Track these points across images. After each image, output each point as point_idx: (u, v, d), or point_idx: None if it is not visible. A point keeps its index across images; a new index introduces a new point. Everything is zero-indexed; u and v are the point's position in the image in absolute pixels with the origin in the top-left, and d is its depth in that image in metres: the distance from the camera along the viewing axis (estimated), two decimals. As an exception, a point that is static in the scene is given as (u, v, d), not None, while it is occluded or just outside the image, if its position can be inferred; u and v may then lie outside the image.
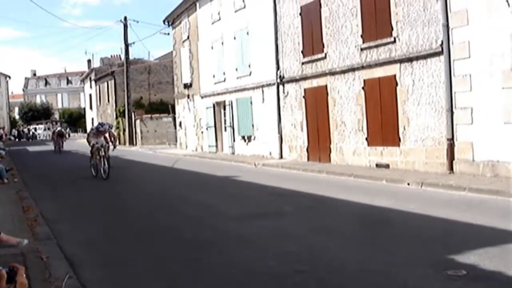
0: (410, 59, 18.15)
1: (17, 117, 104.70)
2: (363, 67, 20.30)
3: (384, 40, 19.12)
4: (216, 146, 33.43)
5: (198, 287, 7.13)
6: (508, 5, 14.60)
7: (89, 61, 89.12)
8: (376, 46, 19.56)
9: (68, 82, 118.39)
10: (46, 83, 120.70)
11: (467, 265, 7.32)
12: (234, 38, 30.27)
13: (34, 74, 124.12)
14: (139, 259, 8.60)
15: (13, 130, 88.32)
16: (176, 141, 42.59)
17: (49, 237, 10.21)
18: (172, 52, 43.70)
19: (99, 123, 23.68)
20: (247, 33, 28.81)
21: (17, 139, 80.00)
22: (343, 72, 21.35)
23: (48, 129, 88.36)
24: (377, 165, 19.82)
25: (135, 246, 9.60)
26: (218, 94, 32.76)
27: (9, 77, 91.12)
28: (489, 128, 15.63)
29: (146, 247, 9.44)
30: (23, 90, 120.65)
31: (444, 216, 11.13)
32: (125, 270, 8.04)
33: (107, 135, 22.32)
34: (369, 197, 13.92)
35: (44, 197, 16.53)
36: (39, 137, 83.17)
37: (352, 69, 20.84)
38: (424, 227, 10.21)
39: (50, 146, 48.68)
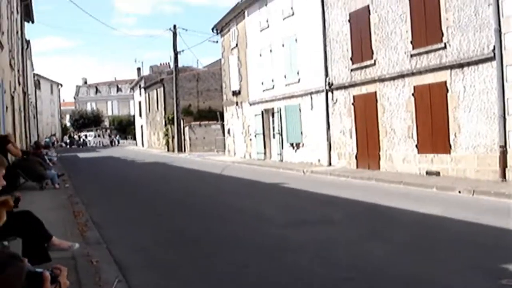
0: (461, 65, 17.91)
1: (68, 124, 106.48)
2: (413, 74, 20.10)
3: (435, 46, 18.90)
4: (265, 153, 33.44)
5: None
6: None
7: (138, 69, 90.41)
8: (426, 52, 19.34)
9: (118, 89, 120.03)
10: (97, 91, 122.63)
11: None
12: (283, 45, 30.29)
13: (85, 82, 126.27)
14: (187, 265, 8.62)
15: (65, 137, 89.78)
16: (225, 148, 42.76)
17: (99, 242, 10.33)
18: (220, 59, 43.95)
19: None
20: (296, 40, 28.80)
21: (68, 146, 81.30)
22: (393, 78, 21.18)
23: (99, 136, 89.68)
24: (427, 173, 19.58)
25: (184, 252, 9.62)
26: (267, 101, 32.79)
27: (61, 85, 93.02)
28: (543, 135, 15.33)
29: (195, 253, 9.45)
30: (74, 98, 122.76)
31: (497, 225, 10.93)
32: (174, 274, 8.06)
33: None
34: (419, 205, 13.77)
35: (94, 203, 16.71)
36: (89, 143, 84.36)
37: (402, 76, 20.65)
38: (476, 235, 10.04)
39: (101, 153, 49.67)
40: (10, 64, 23.49)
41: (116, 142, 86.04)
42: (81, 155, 52.33)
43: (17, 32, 30.67)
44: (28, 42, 45.28)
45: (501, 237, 9.83)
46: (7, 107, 19.51)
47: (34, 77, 63.59)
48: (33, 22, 39.87)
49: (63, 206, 15.22)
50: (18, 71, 28.56)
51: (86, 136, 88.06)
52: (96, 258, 8.65)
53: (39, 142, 34.21)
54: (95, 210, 14.99)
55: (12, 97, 22.58)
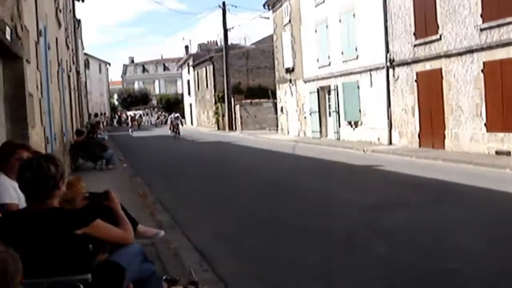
0: (537, 40, 17.05)
1: (116, 103, 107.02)
2: (482, 49, 19.23)
3: (507, 19, 17.96)
4: (320, 131, 32.83)
5: (348, 283, 6.69)
6: None
7: (186, 47, 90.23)
8: (498, 26, 18.43)
9: (165, 68, 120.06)
10: (144, 69, 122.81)
11: None
12: (340, 20, 29.52)
13: (132, 61, 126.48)
14: (271, 252, 8.17)
15: (116, 116, 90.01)
16: (277, 126, 42.26)
17: (172, 226, 9.99)
18: (272, 36, 43.34)
19: None
20: (354, 15, 28.02)
21: (117, 125, 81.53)
22: (460, 54, 20.33)
23: (147, 114, 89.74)
24: (496, 152, 18.77)
25: (264, 238, 9.17)
26: (323, 78, 32.14)
27: (109, 64, 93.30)
28: None
29: (277, 240, 8.99)
30: (122, 77, 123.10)
31: None
32: (262, 265, 7.58)
33: None
34: (498, 187, 13.09)
35: (156, 184, 16.39)
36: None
37: (470, 51, 19.79)
38: None
39: (154, 131, 49.92)
40: (66, 43, 23.25)
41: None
42: (134, 134, 52.30)
43: (70, 11, 30.49)
44: (79, 21, 45.23)
45: None
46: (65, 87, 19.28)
47: (84, 56, 63.81)
48: (83, 1, 39.66)
49: (127, 187, 14.93)
50: (72, 50, 28.36)
51: (140, 115, 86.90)
52: (174, 245, 8.30)
53: (93, 121, 34.33)
54: (159, 191, 14.67)
55: (69, 77, 22.35)
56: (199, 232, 9.72)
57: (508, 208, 10.91)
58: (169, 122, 47.39)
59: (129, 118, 55.62)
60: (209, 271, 7.07)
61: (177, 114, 46.89)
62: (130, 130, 54.77)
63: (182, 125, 49.26)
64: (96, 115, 50.75)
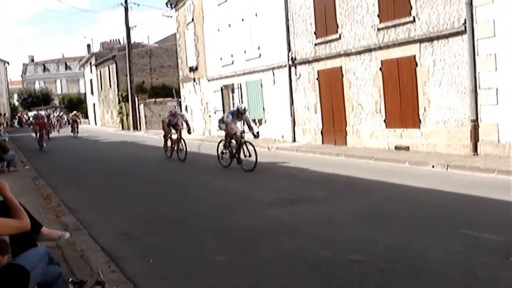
0: (430, 39, 17.79)
1: (16, 103, 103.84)
2: (380, 48, 19.93)
3: (403, 20, 18.72)
4: (225, 130, 32.95)
5: (253, 280, 6.82)
6: (537, -19, 14.24)
7: (88, 45, 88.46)
8: (394, 26, 19.17)
9: (67, 67, 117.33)
10: (45, 69, 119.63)
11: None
12: (242, 20, 29.81)
13: (32, 60, 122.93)
14: (181, 251, 8.26)
15: (16, 117, 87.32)
16: (182, 125, 42.13)
17: (78, 228, 9.92)
18: (175, 35, 43.21)
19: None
20: (256, 15, 28.35)
21: (18, 126, 79.14)
22: (359, 53, 20.99)
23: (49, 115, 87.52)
24: (396, 148, 19.53)
25: (174, 237, 9.25)
26: (226, 77, 32.37)
27: (8, 63, 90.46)
28: (516, 109, 15.33)
29: (186, 238, 9.09)
30: (22, 76, 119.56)
31: (486, 199, 10.90)
32: (171, 264, 7.68)
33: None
34: (398, 180, 13.68)
35: (61, 186, 16.17)
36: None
37: (369, 50, 20.47)
38: (469, 211, 9.91)
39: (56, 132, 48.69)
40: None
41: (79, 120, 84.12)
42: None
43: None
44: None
45: (499, 213, 9.70)
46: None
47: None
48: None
49: (30, 189, 14.71)
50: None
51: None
52: (81, 246, 8.28)
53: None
54: (64, 193, 14.48)
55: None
56: (106, 233, 9.70)
57: (408, 200, 11.40)
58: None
59: (34, 120, 35.75)
60: (117, 272, 7.06)
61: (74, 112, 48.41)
62: (42, 143, 32.06)
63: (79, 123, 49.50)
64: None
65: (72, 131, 45.21)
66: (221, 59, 32.93)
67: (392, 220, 9.51)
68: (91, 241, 8.92)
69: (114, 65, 56.71)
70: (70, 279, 6.10)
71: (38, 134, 31.91)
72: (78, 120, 48.02)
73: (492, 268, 6.61)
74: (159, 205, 12.61)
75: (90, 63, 70.74)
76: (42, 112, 45.10)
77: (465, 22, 16.44)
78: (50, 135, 39.64)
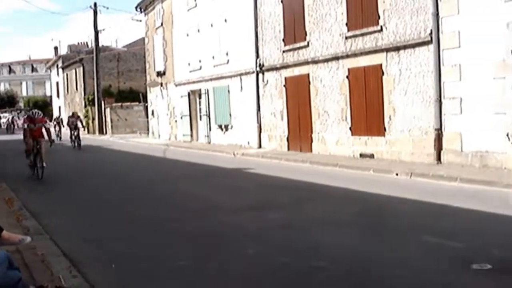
0: (397, 48, 17.97)
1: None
2: (347, 56, 20.07)
3: (370, 29, 18.89)
4: (191, 135, 32.99)
5: (216, 286, 6.80)
6: (502, -6, 14.47)
7: (55, 48, 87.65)
8: (362, 35, 19.33)
9: (33, 69, 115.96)
10: (10, 70, 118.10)
11: (489, 258, 7.13)
12: (211, 25, 29.80)
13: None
14: (144, 256, 8.18)
15: None
16: (148, 130, 42.04)
17: (40, 232, 9.74)
18: (143, 39, 43.08)
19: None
20: (225, 20, 28.38)
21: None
22: (326, 60, 21.10)
23: (13, 117, 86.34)
24: (361, 155, 19.64)
25: (137, 242, 9.17)
26: (194, 82, 32.29)
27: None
28: (479, 119, 15.53)
29: (149, 243, 9.02)
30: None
31: (448, 207, 11.02)
32: (134, 268, 7.60)
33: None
34: (362, 187, 13.77)
35: (24, 189, 15.92)
36: (3, 126, 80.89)
37: (336, 58, 20.60)
38: (432, 218, 10.04)
39: (19, 135, 47.87)
40: None
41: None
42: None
43: None
44: None
45: (457, 220, 9.85)
46: None
47: None
48: None
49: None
50: None
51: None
52: (42, 251, 8.14)
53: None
54: (26, 197, 14.24)
55: None
56: (68, 237, 9.51)
57: (371, 207, 11.49)
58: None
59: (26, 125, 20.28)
60: (79, 277, 6.92)
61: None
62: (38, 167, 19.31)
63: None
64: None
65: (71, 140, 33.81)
66: (189, 64, 32.85)
67: (355, 227, 9.56)
68: (52, 245, 8.73)
69: (81, 68, 56.27)
70: (31, 286, 5.98)
71: (31, 149, 18.28)
72: (80, 125, 34.78)
73: (452, 274, 6.68)
74: (123, 209, 12.51)
75: (57, 66, 70.09)
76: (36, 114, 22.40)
77: (431, 33, 16.64)
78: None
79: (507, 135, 14.66)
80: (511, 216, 9.84)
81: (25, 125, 18.33)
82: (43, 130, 18.77)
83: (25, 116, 19.95)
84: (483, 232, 8.76)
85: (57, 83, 71.83)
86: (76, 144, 32.43)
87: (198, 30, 31.44)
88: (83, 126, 35.29)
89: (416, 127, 17.55)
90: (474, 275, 6.60)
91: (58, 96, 71.92)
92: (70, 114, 38.77)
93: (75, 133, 32.79)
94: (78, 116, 35.77)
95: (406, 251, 7.74)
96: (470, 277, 6.54)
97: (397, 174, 15.78)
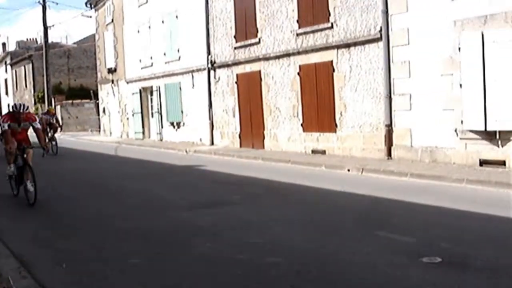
0: (347, 45, 18.13)
1: None
2: (298, 53, 20.17)
3: (321, 26, 19.01)
4: (143, 132, 32.79)
5: (169, 284, 6.74)
6: (449, -8, 14.73)
7: (3, 44, 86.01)
8: (313, 32, 19.44)
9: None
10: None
11: (439, 251, 7.27)
12: (163, 22, 29.64)
13: None
14: (95, 255, 8.09)
15: None
16: (100, 127, 41.63)
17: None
18: (94, 35, 42.64)
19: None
20: (176, 17, 28.26)
21: None
22: (278, 57, 21.18)
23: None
24: (313, 151, 19.77)
25: (88, 240, 9.06)
26: (145, 79, 32.11)
27: None
28: (428, 115, 15.77)
29: (101, 241, 8.93)
30: None
31: (398, 201, 11.21)
32: (85, 268, 7.50)
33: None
34: (314, 183, 13.89)
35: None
36: None
37: (287, 55, 20.69)
38: (383, 213, 10.19)
39: None
40: None
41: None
42: None
43: None
44: None
45: (408, 214, 10.00)
46: None
47: None
48: None
49: None
50: None
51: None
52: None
53: None
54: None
55: None
56: (17, 238, 9.34)
57: (323, 203, 11.57)
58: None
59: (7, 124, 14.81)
60: (28, 278, 6.79)
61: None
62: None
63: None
64: None
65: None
66: (140, 61, 32.63)
67: (308, 223, 9.62)
68: (1, 246, 8.58)
69: (31, 65, 55.45)
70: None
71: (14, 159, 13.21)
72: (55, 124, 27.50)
73: (403, 268, 6.77)
74: (72, 207, 12.37)
75: (5, 62, 68.82)
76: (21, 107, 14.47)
77: (381, 30, 16.83)
78: None
79: (455, 130, 14.92)
80: (459, 210, 10.03)
81: (5, 125, 12.79)
82: (38, 130, 13.18)
83: (6, 113, 14.12)
84: (433, 226, 8.89)
85: (6, 80, 70.59)
86: (51, 148, 23.66)
87: (149, 27, 31.24)
88: (59, 126, 28.03)
89: (367, 123, 17.74)
90: (425, 268, 6.70)
91: (6, 93, 70.67)
92: (45, 110, 32.24)
93: (50, 134, 26.10)
94: (54, 113, 29.61)
95: (358, 246, 7.80)
96: (421, 270, 6.62)
97: (348, 170, 15.94)
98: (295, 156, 19.17)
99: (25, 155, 12.66)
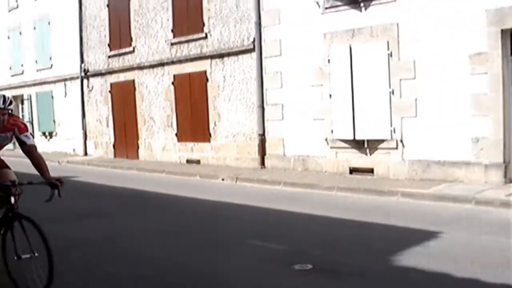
0: (221, 55, 18.31)
1: None
2: (173, 62, 20.17)
3: (196, 36, 19.11)
4: (14, 142, 31.57)
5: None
6: (319, 6, 15.16)
7: None
8: (187, 42, 19.50)
9: None
10: None
11: (310, 258, 7.43)
12: (34, 28, 28.71)
13: None
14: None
15: None
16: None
17: None
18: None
19: None
20: (49, 23, 27.46)
21: None
22: (152, 66, 21.09)
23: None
24: (187, 161, 19.80)
25: None
26: (15, 87, 30.89)
27: None
28: (300, 124, 16.15)
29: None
30: None
31: (272, 210, 11.39)
32: None
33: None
34: (189, 193, 13.89)
35: None
36: None
37: (162, 64, 20.64)
38: (256, 222, 10.33)
39: None
40: None
41: None
42: None
43: None
44: None
45: (281, 222, 10.22)
46: None
47: None
48: None
49: None
50: None
51: None
52: None
53: None
54: None
55: None
56: None
57: (198, 212, 11.58)
58: None
59: None
60: None
61: None
62: None
63: None
64: None
65: None
66: (10, 68, 31.42)
67: (182, 234, 9.58)
68: None
69: None
70: None
71: None
72: None
73: (275, 275, 6.87)
74: None
75: None
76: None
77: (254, 41, 17.12)
78: None
79: (326, 139, 15.37)
80: (331, 217, 10.31)
81: None
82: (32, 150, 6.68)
83: None
84: (305, 233, 9.10)
85: None
86: None
87: (20, 33, 30.17)
88: None
89: (241, 132, 17.95)
90: (296, 275, 6.83)
91: None
92: None
93: None
94: None
95: (231, 256, 7.86)
96: (292, 278, 6.75)
97: (223, 179, 16.07)
98: (170, 166, 19.12)
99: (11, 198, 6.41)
